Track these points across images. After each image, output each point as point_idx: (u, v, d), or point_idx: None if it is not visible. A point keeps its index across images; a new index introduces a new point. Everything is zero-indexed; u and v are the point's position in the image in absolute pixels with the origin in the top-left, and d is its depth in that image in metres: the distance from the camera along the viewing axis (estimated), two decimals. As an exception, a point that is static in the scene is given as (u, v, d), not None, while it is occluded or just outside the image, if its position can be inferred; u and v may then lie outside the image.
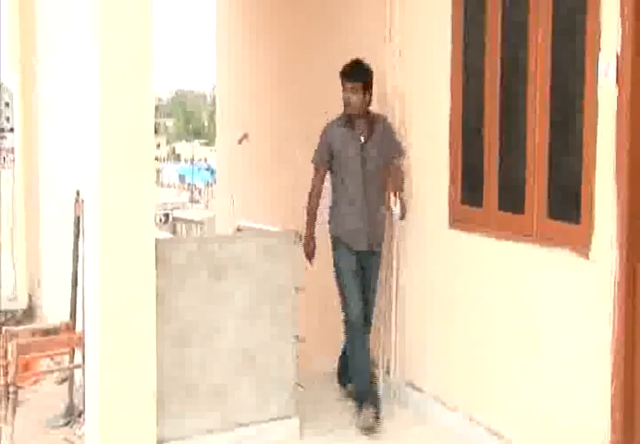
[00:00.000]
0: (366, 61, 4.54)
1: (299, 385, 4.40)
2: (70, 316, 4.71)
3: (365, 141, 4.54)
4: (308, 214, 4.65)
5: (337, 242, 4.61)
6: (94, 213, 3.82)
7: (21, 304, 6.55)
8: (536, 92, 3.76)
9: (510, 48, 3.98)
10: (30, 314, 6.46)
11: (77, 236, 4.71)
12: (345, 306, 4.53)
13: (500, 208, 4.06)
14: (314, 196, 4.64)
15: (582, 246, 3.49)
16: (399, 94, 4.81)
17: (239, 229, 4.96)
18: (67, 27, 5.43)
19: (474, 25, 4.19)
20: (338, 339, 4.73)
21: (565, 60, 3.66)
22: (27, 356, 4.35)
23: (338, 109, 4.61)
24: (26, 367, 4.38)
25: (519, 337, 3.90)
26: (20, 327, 4.97)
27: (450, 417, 4.37)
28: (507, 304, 3.98)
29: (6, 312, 6.38)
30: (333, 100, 4.72)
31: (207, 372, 4.09)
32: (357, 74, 4.49)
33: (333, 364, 5.06)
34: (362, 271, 4.60)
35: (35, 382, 4.63)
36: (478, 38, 4.16)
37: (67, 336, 4.58)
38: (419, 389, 4.66)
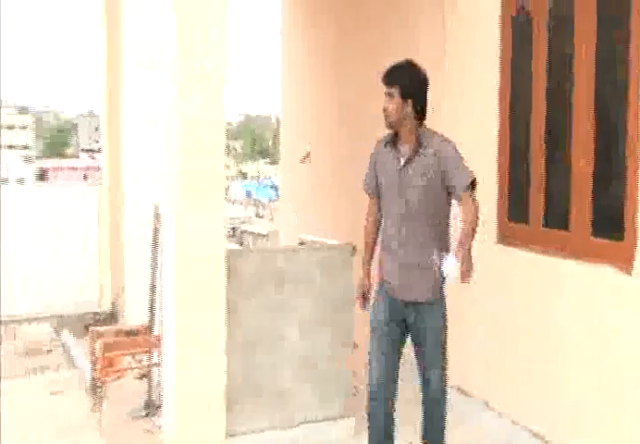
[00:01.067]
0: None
1: (354, 387, 4.38)
2: (149, 320, 4.79)
3: (404, 165, 3.38)
4: (364, 249, 3.67)
5: (379, 283, 3.59)
6: (171, 226, 3.88)
7: (105, 307, 6.70)
8: (581, 115, 3.70)
9: (555, 75, 3.93)
10: (113, 316, 6.60)
11: (155, 247, 4.80)
12: (368, 364, 3.55)
13: (546, 225, 3.98)
14: (368, 227, 3.67)
15: (625, 263, 3.40)
16: (449, 116, 4.77)
17: (301, 242, 4.97)
18: (149, 59, 5.57)
19: (522, 54, 4.16)
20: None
21: (609, 87, 3.60)
22: (111, 354, 4.45)
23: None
24: (110, 364, 4.46)
25: (563, 346, 3.81)
26: (105, 328, 5.08)
27: (496, 421, 4.29)
28: (552, 316, 3.90)
29: (93, 314, 6.54)
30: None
31: (271, 374, 4.09)
32: (392, 76, 3.39)
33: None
34: (403, 324, 3.48)
35: (118, 377, 4.71)
36: (525, 66, 4.12)
37: (146, 337, 4.66)
38: (466, 393, 4.57)
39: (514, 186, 4.26)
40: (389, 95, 3.39)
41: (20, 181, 57.74)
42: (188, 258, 3.79)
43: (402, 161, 3.39)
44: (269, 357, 4.08)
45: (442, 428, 3.55)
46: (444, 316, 3.44)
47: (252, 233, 22.86)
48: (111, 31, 6.95)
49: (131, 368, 4.76)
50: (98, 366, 4.39)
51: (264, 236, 20.23)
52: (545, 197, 4.00)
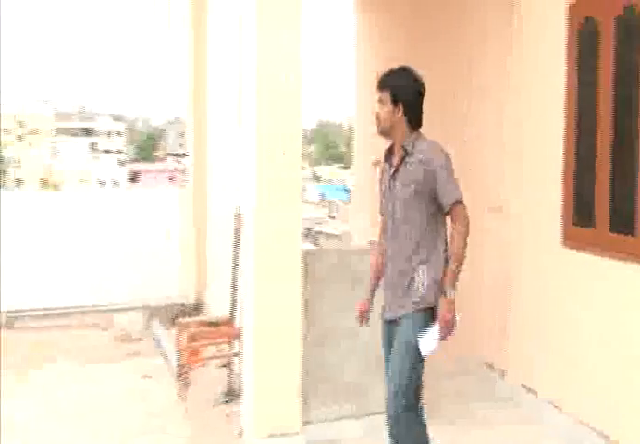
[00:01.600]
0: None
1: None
2: (230, 312, 4.87)
3: (392, 176, 3.09)
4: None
5: None
6: (251, 226, 3.91)
7: (191, 300, 6.83)
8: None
9: (623, 80, 3.78)
10: (197, 308, 6.72)
11: (236, 245, 4.87)
12: None
13: (612, 230, 3.84)
14: (375, 252, 3.34)
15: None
16: (514, 123, 4.67)
17: (372, 243, 4.95)
18: (231, 69, 5.66)
19: (587, 64, 4.02)
20: (458, 338, 4.62)
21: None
22: (195, 344, 4.55)
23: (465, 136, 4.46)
24: (195, 353, 4.56)
25: (629, 347, 3.68)
26: (190, 319, 5.20)
27: (562, 419, 4.16)
28: (616, 318, 3.76)
29: (180, 305, 6.67)
30: (462, 127, 4.61)
31: (344, 368, 4.10)
32: (384, 80, 3.09)
33: (450, 362, 4.94)
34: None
35: (202, 365, 4.81)
36: (591, 76, 3.99)
37: (228, 329, 4.75)
38: (533, 392, 4.46)
39: (580, 190, 4.13)
40: (380, 101, 3.08)
41: (116, 183, 59.83)
42: (267, 257, 3.82)
43: (392, 172, 3.09)
44: (342, 352, 4.09)
45: None
46: (412, 347, 2.97)
47: (325, 234, 22.84)
48: (197, 42, 7.07)
49: (214, 357, 4.86)
50: (184, 355, 4.50)
51: (336, 236, 20.22)
52: (611, 202, 3.86)
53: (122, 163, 74.22)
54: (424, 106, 3.16)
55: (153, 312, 6.42)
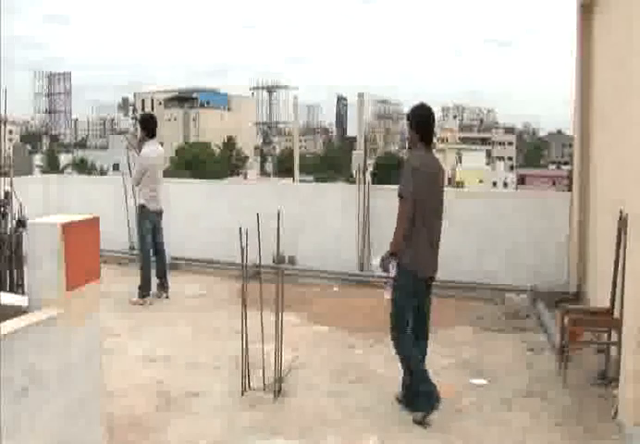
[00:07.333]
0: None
1: None
2: (610, 305, 4.39)
3: None
4: None
5: None
6: (636, 229, 3.49)
7: (572, 289, 6.33)
8: None
9: None
10: (578, 296, 6.20)
11: (618, 246, 4.35)
12: None
13: None
14: None
15: None
16: None
17: None
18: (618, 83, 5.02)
19: None
20: None
21: None
22: (576, 328, 4.23)
23: None
24: (575, 335, 4.25)
25: None
26: (572, 306, 4.86)
27: None
28: None
29: (562, 293, 6.22)
30: None
31: None
32: (408, 113, 3.70)
33: None
34: None
35: (580, 348, 4.45)
36: None
37: (606, 319, 4.30)
38: None
39: None
40: (408, 126, 3.65)
41: (506, 184, 59.18)
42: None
43: None
44: None
45: (403, 384, 3.70)
46: (395, 291, 3.61)
47: None
48: (583, 58, 6.42)
49: (591, 342, 4.46)
50: (566, 336, 4.23)
51: None
52: None
53: (511, 168, 72.97)
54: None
55: (538, 294, 6.14)
